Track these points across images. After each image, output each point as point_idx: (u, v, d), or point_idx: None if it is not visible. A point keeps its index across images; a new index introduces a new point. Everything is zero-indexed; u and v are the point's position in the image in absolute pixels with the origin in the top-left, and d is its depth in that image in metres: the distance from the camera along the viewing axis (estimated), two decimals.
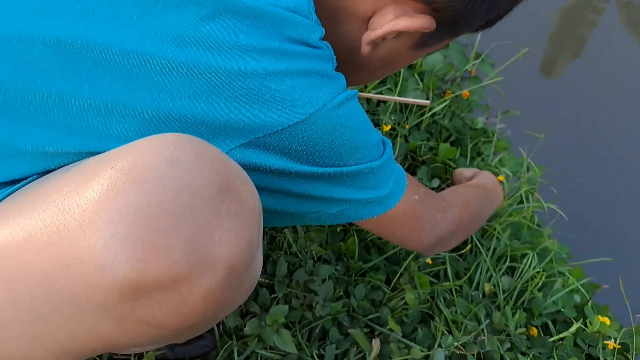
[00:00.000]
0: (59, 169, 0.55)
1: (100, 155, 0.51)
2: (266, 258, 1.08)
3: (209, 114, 0.57)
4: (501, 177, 1.36)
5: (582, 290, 1.25)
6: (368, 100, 1.40)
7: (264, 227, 0.93)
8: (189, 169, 0.47)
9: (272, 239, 1.12)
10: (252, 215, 0.50)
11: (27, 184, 0.56)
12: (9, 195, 0.55)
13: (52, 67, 0.55)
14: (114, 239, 0.44)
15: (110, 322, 0.48)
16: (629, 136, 2.14)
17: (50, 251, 0.46)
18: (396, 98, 1.36)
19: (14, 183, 0.57)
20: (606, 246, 1.66)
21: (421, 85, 1.45)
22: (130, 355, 0.92)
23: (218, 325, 0.98)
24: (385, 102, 1.40)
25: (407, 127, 1.35)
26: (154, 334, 0.50)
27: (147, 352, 0.91)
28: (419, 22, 0.69)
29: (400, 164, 1.35)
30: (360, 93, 1.33)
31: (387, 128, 1.33)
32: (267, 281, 1.04)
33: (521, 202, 1.42)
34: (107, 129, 0.56)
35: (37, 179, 0.56)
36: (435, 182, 1.31)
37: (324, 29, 0.66)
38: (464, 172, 1.25)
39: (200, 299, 0.47)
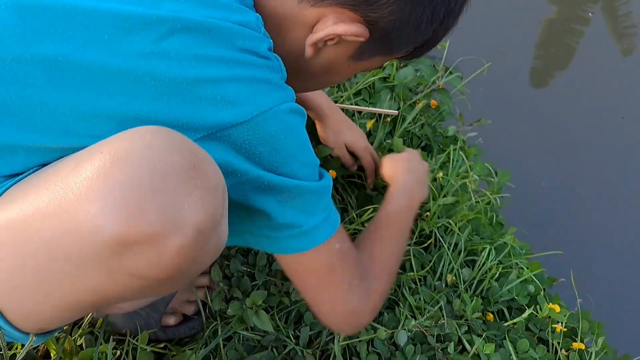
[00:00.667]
0: (56, 160, 0.67)
1: (91, 145, 0.63)
2: (248, 250, 1.21)
3: (169, 115, 0.68)
4: (469, 182, 1.49)
5: (537, 281, 1.38)
6: (344, 110, 1.53)
7: None
8: (162, 152, 0.59)
9: None
10: (216, 190, 0.61)
11: (27, 175, 0.68)
12: (13, 184, 0.68)
13: (39, 80, 0.67)
14: (105, 206, 0.56)
15: (103, 275, 0.60)
16: (600, 144, 2.27)
17: (53, 220, 0.58)
18: (368, 108, 1.50)
19: (13, 176, 0.70)
20: (564, 243, 1.78)
21: (393, 96, 1.58)
22: (125, 335, 1.04)
23: (205, 309, 1.11)
24: (360, 111, 1.53)
25: (370, 124, 1.47)
26: (138, 284, 0.62)
27: (141, 331, 1.03)
28: (355, 28, 0.79)
29: None
30: (336, 104, 1.47)
31: (370, 124, 1.46)
32: (248, 270, 1.17)
33: (489, 203, 1.56)
34: (87, 131, 0.67)
35: (36, 170, 0.68)
36: None
37: (272, 41, 0.77)
38: (387, 167, 1.23)
39: (173, 253, 0.59)
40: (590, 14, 2.75)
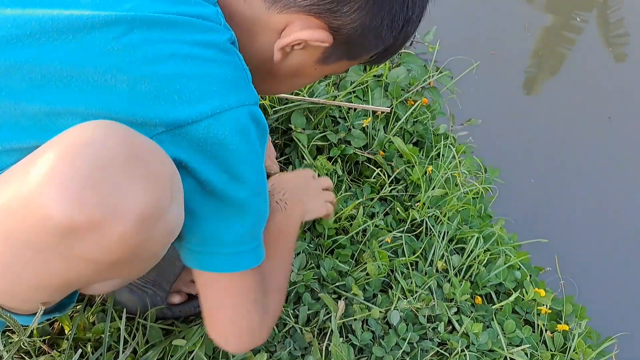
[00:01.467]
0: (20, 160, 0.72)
1: (44, 144, 0.67)
2: None
3: (129, 112, 0.70)
4: (458, 174, 1.57)
5: (523, 268, 1.45)
6: (339, 107, 1.60)
7: None
8: (103, 144, 0.63)
9: None
10: (159, 178, 0.65)
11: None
12: None
13: (10, 83, 0.71)
14: (51, 197, 0.60)
15: (58, 259, 0.66)
16: (586, 143, 2.34)
17: (11, 211, 0.64)
18: (361, 105, 1.57)
19: None
20: (552, 236, 1.85)
21: (386, 94, 1.65)
22: (135, 313, 1.11)
23: None
24: (355, 109, 1.60)
25: (367, 122, 1.54)
26: (93, 267, 0.67)
27: (138, 310, 1.10)
28: (319, 35, 0.84)
29: None
30: (330, 102, 1.54)
31: (366, 122, 1.54)
32: None
33: (477, 194, 1.63)
34: (55, 126, 0.71)
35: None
36: None
37: (233, 34, 0.79)
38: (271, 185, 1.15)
39: (116, 239, 0.63)
40: (578, 19, 2.82)
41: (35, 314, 0.77)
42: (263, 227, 0.86)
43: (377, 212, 1.45)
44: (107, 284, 0.79)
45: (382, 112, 1.59)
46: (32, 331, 1.04)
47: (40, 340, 1.05)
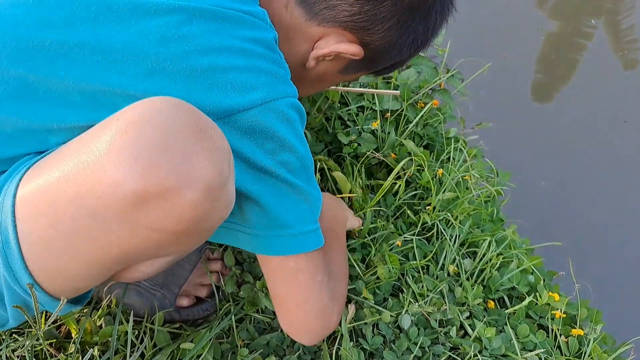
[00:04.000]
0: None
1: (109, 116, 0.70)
2: (235, 247, 1.26)
3: (185, 97, 0.72)
4: (469, 177, 1.55)
5: (537, 272, 1.43)
6: (347, 93, 1.58)
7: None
8: (172, 114, 0.65)
9: None
10: (221, 151, 0.67)
11: (56, 148, 0.75)
12: (43, 156, 0.74)
13: (71, 63, 0.74)
14: (123, 164, 0.61)
15: (124, 229, 0.66)
16: (599, 146, 2.33)
17: (78, 180, 0.64)
18: (370, 90, 1.57)
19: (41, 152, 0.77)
20: (564, 239, 1.83)
21: (396, 96, 1.64)
22: (142, 316, 1.10)
23: (218, 292, 1.16)
24: (363, 111, 1.59)
25: (376, 124, 1.52)
26: (156, 238, 0.67)
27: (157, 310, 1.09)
28: (354, 49, 0.93)
29: None
30: (339, 88, 1.55)
31: (375, 124, 1.52)
32: None
33: (489, 196, 1.61)
34: (112, 107, 0.72)
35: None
36: None
37: (277, 34, 0.85)
38: None
39: (187, 206, 0.64)
40: (593, 21, 2.80)
41: (57, 299, 0.76)
42: (319, 211, 0.91)
43: (388, 216, 1.44)
44: (154, 264, 0.80)
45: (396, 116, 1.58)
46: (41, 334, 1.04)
47: (47, 344, 1.03)
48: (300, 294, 0.92)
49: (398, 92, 1.58)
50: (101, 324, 1.08)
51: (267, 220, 0.85)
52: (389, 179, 1.41)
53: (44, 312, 1.08)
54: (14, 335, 1.04)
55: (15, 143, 0.77)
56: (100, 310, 1.08)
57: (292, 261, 0.89)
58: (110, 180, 0.62)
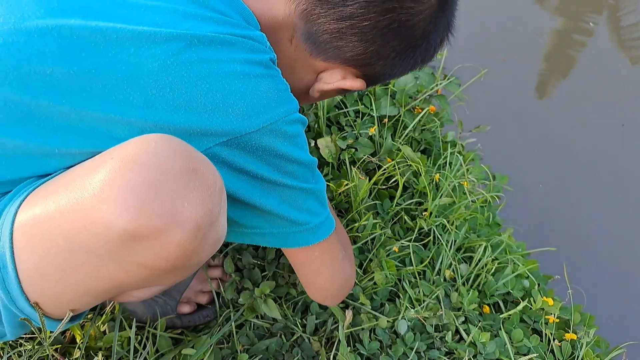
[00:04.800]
0: (78, 163, 0.76)
1: (105, 151, 0.72)
2: (257, 245, 1.28)
3: (186, 124, 0.77)
4: (466, 182, 1.57)
5: (531, 276, 1.46)
6: (346, 107, 1.61)
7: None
8: (165, 156, 0.67)
9: None
10: (213, 190, 0.69)
11: (55, 175, 0.77)
12: (41, 184, 0.76)
13: (72, 90, 0.76)
14: (116, 205, 0.64)
15: (115, 265, 0.69)
16: (597, 149, 2.34)
17: (72, 216, 0.67)
18: None
19: (44, 176, 0.79)
20: (561, 243, 1.86)
21: (394, 102, 1.66)
22: (145, 322, 1.12)
23: (218, 298, 1.19)
24: (361, 117, 1.61)
25: (373, 130, 1.55)
26: (146, 273, 0.70)
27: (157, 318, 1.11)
28: (359, 84, 0.97)
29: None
30: None
31: (372, 130, 1.54)
32: (258, 263, 1.25)
33: (485, 202, 1.64)
34: (112, 134, 0.76)
35: (62, 172, 0.77)
36: None
37: (275, 55, 0.87)
38: None
39: (175, 246, 0.66)
40: (592, 24, 2.81)
41: (60, 319, 0.80)
42: (326, 198, 0.96)
43: (386, 221, 1.46)
44: (146, 291, 0.84)
45: (394, 121, 1.60)
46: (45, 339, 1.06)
47: (52, 349, 1.06)
48: (328, 273, 1.01)
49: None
50: (105, 330, 1.11)
51: (283, 221, 0.89)
52: (379, 173, 1.43)
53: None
54: (19, 340, 1.07)
55: (16, 166, 0.79)
56: (104, 317, 1.11)
57: (317, 250, 0.96)
58: (103, 220, 0.64)
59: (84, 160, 0.76)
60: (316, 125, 1.53)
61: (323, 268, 1.00)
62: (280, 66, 0.88)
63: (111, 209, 0.63)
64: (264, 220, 0.89)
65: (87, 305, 0.81)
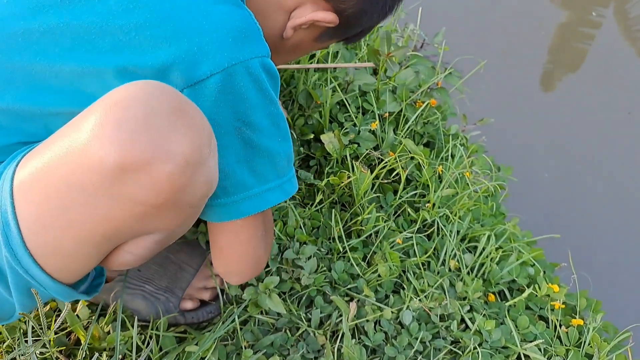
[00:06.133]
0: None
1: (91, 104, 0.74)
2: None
3: (154, 68, 0.78)
4: (468, 173, 1.57)
5: (536, 264, 1.45)
6: (322, 68, 1.61)
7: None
8: (151, 97, 0.69)
9: None
10: (200, 128, 0.71)
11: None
12: (37, 144, 0.78)
13: (44, 47, 0.79)
14: (106, 140, 0.66)
15: (109, 201, 0.70)
16: (602, 139, 2.33)
17: (67, 158, 0.69)
18: (344, 64, 1.61)
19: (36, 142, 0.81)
20: (566, 231, 1.85)
21: (395, 97, 1.66)
22: (148, 321, 1.13)
23: (222, 294, 1.20)
24: (362, 113, 1.61)
25: (375, 125, 1.55)
26: (140, 211, 0.71)
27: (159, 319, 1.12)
28: (331, 17, 0.97)
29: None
30: (315, 65, 1.60)
31: (374, 125, 1.55)
32: None
33: (488, 192, 1.63)
34: (86, 87, 0.78)
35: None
36: None
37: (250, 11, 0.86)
38: None
39: (164, 179, 0.68)
40: (594, 14, 2.80)
41: (70, 285, 0.82)
42: (291, 165, 0.92)
43: (389, 214, 1.46)
44: (142, 245, 0.83)
45: (396, 115, 1.60)
46: (49, 341, 1.07)
47: (57, 351, 1.07)
48: (241, 247, 0.96)
49: (372, 64, 1.62)
50: (109, 330, 1.12)
51: (230, 185, 0.86)
52: (380, 165, 1.43)
53: (53, 319, 1.12)
54: (25, 340, 1.08)
55: (6, 132, 0.82)
56: (107, 317, 1.12)
57: (239, 222, 0.91)
58: (96, 155, 0.67)
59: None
60: (319, 122, 1.54)
61: (238, 242, 0.96)
62: (251, 10, 0.87)
63: (103, 144, 0.66)
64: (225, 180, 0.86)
65: (88, 260, 0.81)
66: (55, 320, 1.00)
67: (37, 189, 0.73)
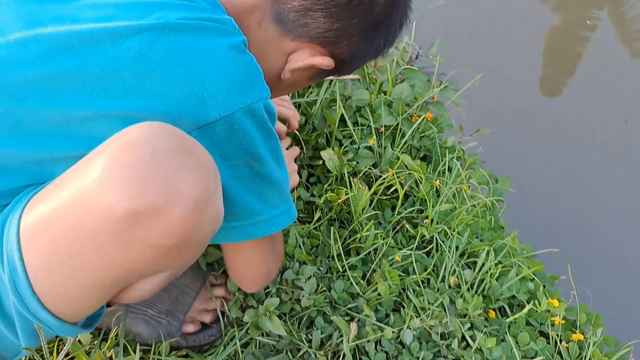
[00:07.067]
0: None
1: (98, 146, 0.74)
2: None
3: (164, 112, 0.80)
4: (466, 187, 1.58)
5: (536, 278, 1.46)
6: (345, 122, 1.61)
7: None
8: (158, 138, 0.70)
9: None
10: (207, 168, 0.73)
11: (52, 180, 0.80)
12: (41, 189, 0.79)
13: (56, 93, 0.79)
14: (116, 187, 0.67)
15: (121, 247, 0.71)
16: (600, 146, 2.34)
17: (75, 205, 0.70)
18: (330, 77, 1.62)
19: (41, 184, 0.81)
20: (565, 243, 1.85)
21: (391, 111, 1.66)
22: (150, 345, 1.13)
23: (223, 317, 1.20)
24: (359, 127, 1.62)
25: (372, 141, 1.55)
26: (152, 253, 0.72)
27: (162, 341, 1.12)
28: (327, 61, 1.01)
29: None
30: None
31: (372, 140, 1.55)
32: None
33: (485, 207, 1.64)
34: (97, 131, 0.78)
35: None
36: None
37: (245, 38, 0.90)
38: None
39: (177, 221, 0.69)
40: (588, 22, 2.81)
41: (72, 324, 0.82)
42: (288, 191, 0.98)
43: (388, 230, 1.46)
44: (153, 281, 0.84)
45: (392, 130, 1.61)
46: None
47: None
48: (255, 262, 1.04)
49: (358, 76, 1.64)
50: (111, 355, 1.12)
51: (239, 211, 0.91)
52: (378, 182, 1.43)
53: (56, 345, 1.11)
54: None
55: (13, 176, 0.82)
56: (109, 342, 1.12)
57: (254, 241, 0.98)
58: (105, 203, 0.67)
59: None
60: (319, 140, 1.54)
61: (254, 259, 1.04)
62: (251, 52, 0.90)
63: (112, 191, 0.67)
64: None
65: (97, 302, 0.82)
66: (58, 350, 1.00)
67: (44, 236, 0.73)
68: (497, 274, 1.42)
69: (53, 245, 0.73)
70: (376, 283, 1.31)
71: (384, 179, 1.47)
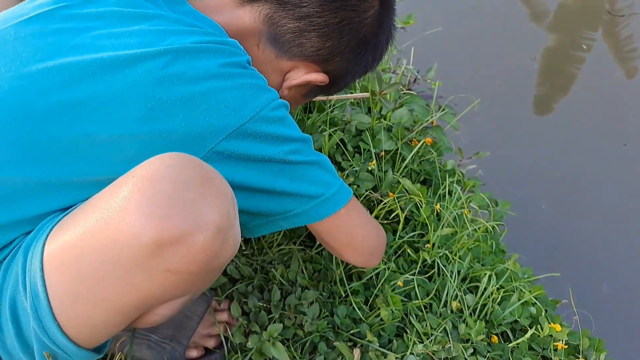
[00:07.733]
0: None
1: (123, 175, 0.77)
2: (262, 288, 1.29)
3: (187, 128, 0.85)
4: (466, 211, 1.58)
5: (538, 303, 1.45)
6: (345, 150, 1.62)
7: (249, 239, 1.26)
8: (180, 170, 0.74)
9: (266, 272, 1.33)
10: (226, 196, 0.76)
11: (76, 207, 0.81)
12: (66, 215, 0.81)
13: (80, 117, 0.82)
14: (142, 217, 0.70)
15: (144, 274, 0.73)
16: (599, 169, 2.35)
17: (101, 234, 0.72)
18: (341, 96, 1.67)
19: (66, 209, 0.83)
20: (567, 266, 1.86)
21: (391, 136, 1.67)
22: None
23: (227, 343, 1.19)
24: (360, 152, 1.62)
25: (373, 164, 1.56)
26: (174, 280, 0.75)
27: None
28: (322, 77, 1.10)
29: None
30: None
31: (372, 164, 1.56)
32: (265, 305, 1.25)
33: (486, 230, 1.64)
34: (123, 153, 0.83)
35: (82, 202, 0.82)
36: None
37: (250, 58, 0.97)
38: None
39: (200, 248, 0.72)
40: (584, 46, 2.83)
41: (86, 349, 0.82)
42: (333, 167, 1.03)
43: (389, 255, 1.46)
44: (171, 306, 0.86)
45: (393, 155, 1.61)
46: None
47: None
48: (361, 230, 1.08)
49: (367, 94, 1.65)
50: None
51: (300, 199, 0.97)
52: (379, 207, 1.43)
53: None
54: None
55: (38, 202, 0.84)
56: None
57: (342, 215, 1.02)
58: (131, 232, 0.70)
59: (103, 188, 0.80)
60: None
61: (354, 227, 1.06)
62: None
63: (138, 220, 0.69)
64: (282, 204, 0.96)
65: (118, 328, 0.83)
66: None
67: (68, 264, 0.74)
68: (499, 299, 1.42)
69: (77, 272, 0.74)
70: (379, 308, 1.31)
71: (385, 203, 1.47)
